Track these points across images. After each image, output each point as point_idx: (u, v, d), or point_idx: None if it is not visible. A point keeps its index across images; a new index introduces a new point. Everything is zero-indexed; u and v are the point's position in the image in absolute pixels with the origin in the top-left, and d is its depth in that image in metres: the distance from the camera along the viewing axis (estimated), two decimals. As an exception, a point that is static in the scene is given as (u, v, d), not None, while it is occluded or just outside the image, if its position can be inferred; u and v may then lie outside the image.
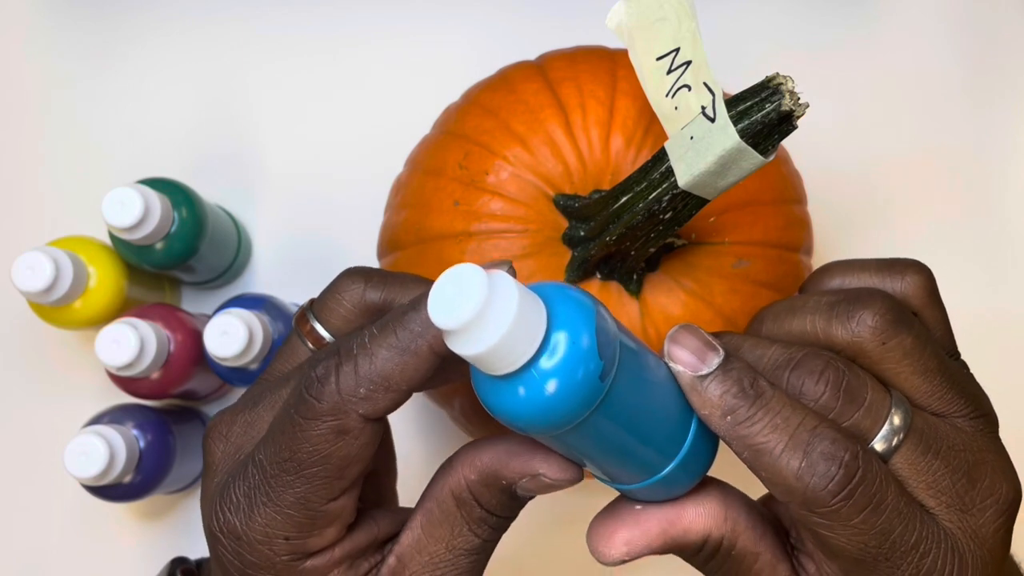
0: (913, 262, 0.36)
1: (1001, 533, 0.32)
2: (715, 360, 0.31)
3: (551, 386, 0.26)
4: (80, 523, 0.61)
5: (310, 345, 0.35)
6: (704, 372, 0.31)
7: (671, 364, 0.31)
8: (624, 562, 0.32)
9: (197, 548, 0.58)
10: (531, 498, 0.33)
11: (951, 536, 0.31)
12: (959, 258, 0.64)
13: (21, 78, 0.66)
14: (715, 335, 0.34)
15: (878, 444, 0.31)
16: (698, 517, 0.33)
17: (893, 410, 0.32)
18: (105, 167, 0.64)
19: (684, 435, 0.32)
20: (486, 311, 0.25)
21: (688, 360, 0.31)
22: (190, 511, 0.61)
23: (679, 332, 0.31)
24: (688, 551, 0.33)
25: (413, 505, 0.35)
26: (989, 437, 0.33)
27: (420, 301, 0.31)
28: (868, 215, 0.64)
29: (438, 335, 0.30)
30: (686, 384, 0.31)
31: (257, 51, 0.66)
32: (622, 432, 0.29)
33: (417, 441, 0.61)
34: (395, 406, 0.31)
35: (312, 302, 0.36)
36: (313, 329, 0.35)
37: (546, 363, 0.26)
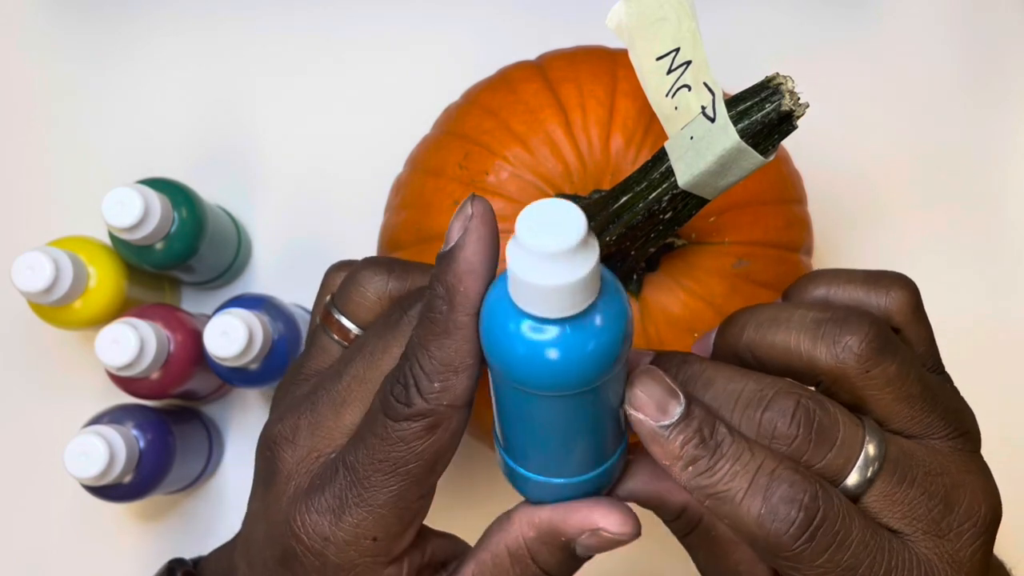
0: (898, 277, 0.35)
1: (979, 555, 0.32)
2: (677, 410, 0.31)
3: (591, 344, 0.27)
4: (80, 523, 0.61)
5: (336, 338, 0.36)
6: (665, 423, 0.31)
7: (631, 412, 0.31)
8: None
9: (197, 548, 0.58)
10: (588, 558, 0.34)
11: (926, 562, 0.31)
12: (959, 259, 0.64)
13: (21, 78, 0.66)
14: (685, 363, 0.34)
15: (852, 478, 0.31)
16: (678, 488, 0.33)
17: (867, 440, 0.32)
18: (105, 167, 0.64)
19: (615, 448, 0.33)
20: (587, 239, 0.25)
21: (650, 410, 0.31)
22: (190, 511, 0.61)
23: (641, 377, 0.31)
24: (666, 515, 0.34)
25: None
26: (969, 456, 0.33)
27: (432, 282, 0.31)
28: (868, 215, 0.64)
29: (455, 296, 0.30)
30: (646, 433, 0.31)
31: (257, 51, 0.66)
32: (590, 421, 0.30)
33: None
34: (472, 383, 0.31)
35: (334, 297, 0.36)
36: (340, 324, 0.36)
37: (598, 320, 0.27)
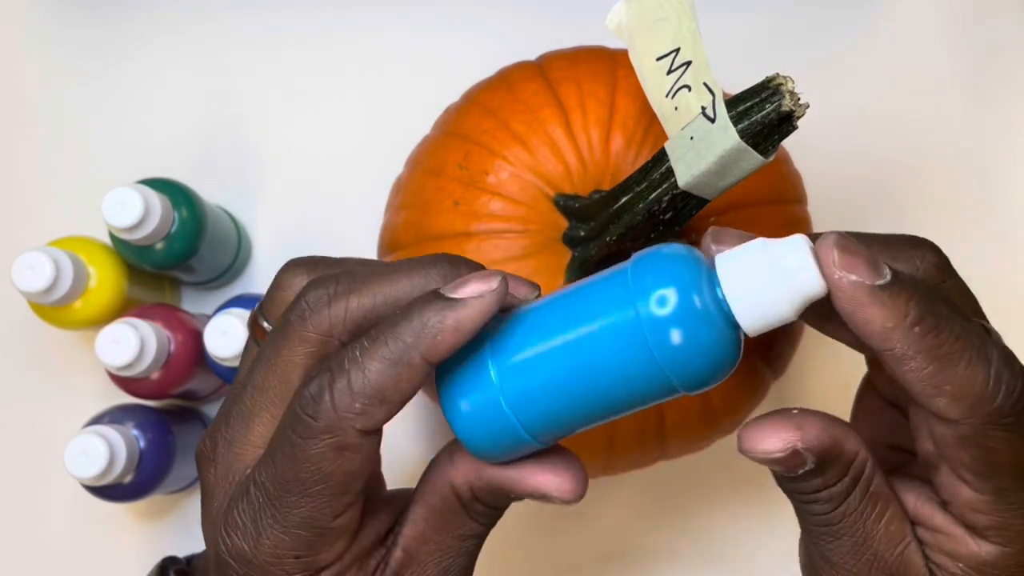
0: (922, 241, 0.34)
1: None
2: (886, 270, 0.29)
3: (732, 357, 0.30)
4: (80, 523, 0.61)
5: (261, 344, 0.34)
6: (882, 283, 0.29)
7: (841, 275, 0.29)
8: (774, 460, 0.31)
9: (197, 548, 0.58)
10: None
11: None
12: (959, 259, 0.63)
13: (21, 78, 0.66)
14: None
15: None
16: (852, 435, 0.31)
17: None
18: (105, 167, 0.64)
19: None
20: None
21: (864, 271, 0.29)
22: (190, 511, 0.61)
23: (838, 239, 0.29)
24: (833, 468, 0.31)
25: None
26: None
27: (410, 310, 0.30)
28: (868, 215, 0.64)
29: (431, 345, 0.29)
30: (865, 295, 0.29)
31: (257, 51, 0.66)
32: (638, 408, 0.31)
33: (415, 441, 0.61)
34: (390, 417, 0.30)
35: (261, 302, 0.35)
36: (263, 329, 0.34)
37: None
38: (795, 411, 0.31)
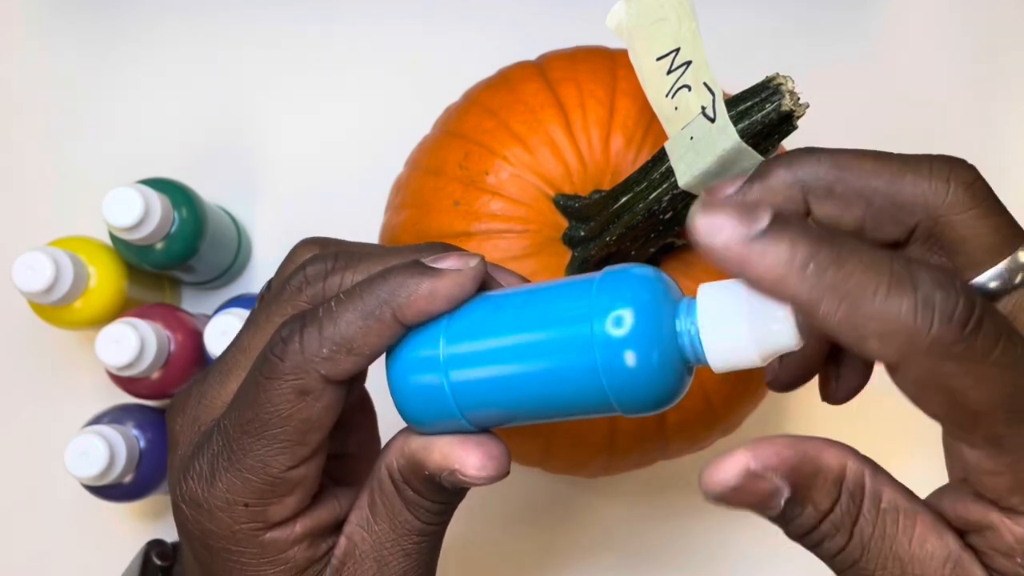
0: (954, 160, 0.31)
1: None
2: (764, 216, 0.25)
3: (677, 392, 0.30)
4: (80, 523, 0.61)
5: None
6: (758, 229, 0.25)
7: (704, 239, 0.25)
8: (735, 491, 0.28)
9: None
10: (464, 491, 0.33)
11: None
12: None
13: (21, 78, 0.66)
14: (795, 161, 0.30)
15: (991, 280, 0.29)
16: (833, 449, 0.28)
17: (1021, 248, 0.29)
18: (105, 167, 0.64)
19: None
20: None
21: (730, 227, 0.25)
22: (190, 511, 0.61)
23: (706, 200, 0.26)
24: (818, 490, 0.28)
25: None
26: None
27: (389, 272, 0.30)
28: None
29: (403, 304, 0.30)
30: (736, 253, 0.25)
31: (257, 51, 0.66)
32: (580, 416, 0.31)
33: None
34: (356, 370, 0.30)
35: (273, 277, 0.36)
36: None
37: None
38: (752, 440, 0.28)
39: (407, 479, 0.32)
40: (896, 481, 0.28)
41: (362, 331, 0.30)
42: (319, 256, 0.33)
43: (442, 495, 0.32)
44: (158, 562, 0.45)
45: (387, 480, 0.32)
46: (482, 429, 0.31)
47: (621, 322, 0.28)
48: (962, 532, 0.28)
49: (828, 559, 0.29)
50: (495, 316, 0.30)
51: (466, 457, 0.30)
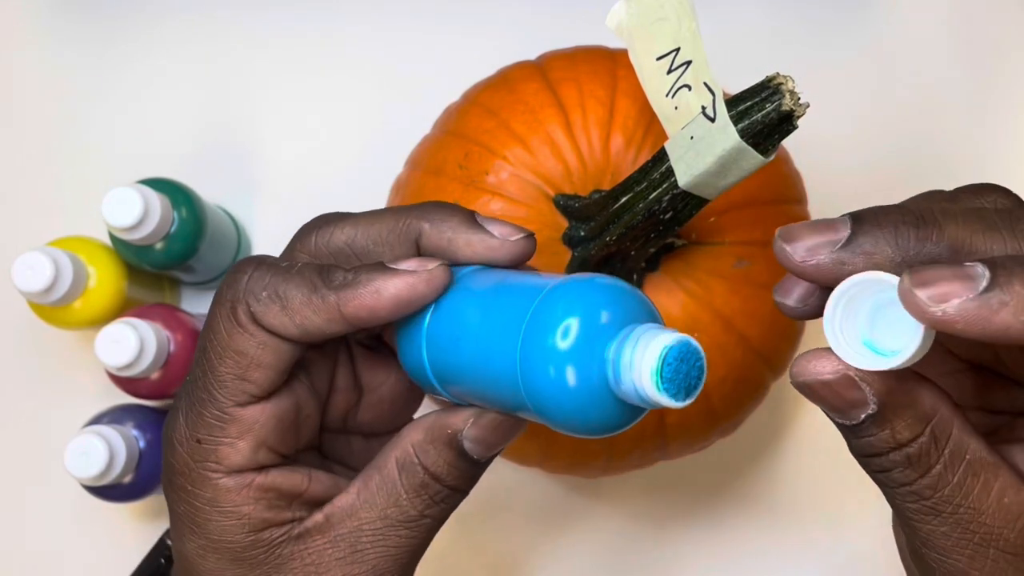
0: (985, 187, 0.30)
1: None
2: (980, 269, 0.25)
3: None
4: (80, 523, 0.61)
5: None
6: (985, 283, 0.25)
7: (941, 310, 0.25)
8: (824, 385, 0.27)
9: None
10: (482, 464, 0.32)
11: None
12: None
13: (21, 78, 0.66)
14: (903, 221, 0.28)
15: None
16: (930, 390, 0.28)
17: None
18: (105, 167, 0.64)
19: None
20: None
21: (957, 286, 0.25)
22: (190, 511, 0.61)
23: (919, 276, 0.25)
24: (903, 420, 0.27)
25: None
26: None
27: (356, 267, 0.31)
28: (868, 215, 0.63)
29: (348, 295, 0.30)
30: (977, 312, 0.25)
31: (257, 51, 0.65)
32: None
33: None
34: (284, 331, 0.31)
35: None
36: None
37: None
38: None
39: (422, 454, 0.32)
40: (979, 435, 0.28)
41: (303, 300, 0.30)
42: (319, 217, 0.34)
43: (455, 470, 0.32)
44: (169, 542, 0.46)
45: (392, 467, 0.32)
46: (464, 403, 0.32)
47: (551, 331, 0.28)
48: None
49: (889, 487, 0.29)
50: (462, 306, 0.31)
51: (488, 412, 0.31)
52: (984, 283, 0.25)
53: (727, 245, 0.46)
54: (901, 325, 0.26)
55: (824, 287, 0.29)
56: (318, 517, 0.33)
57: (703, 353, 0.27)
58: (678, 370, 0.26)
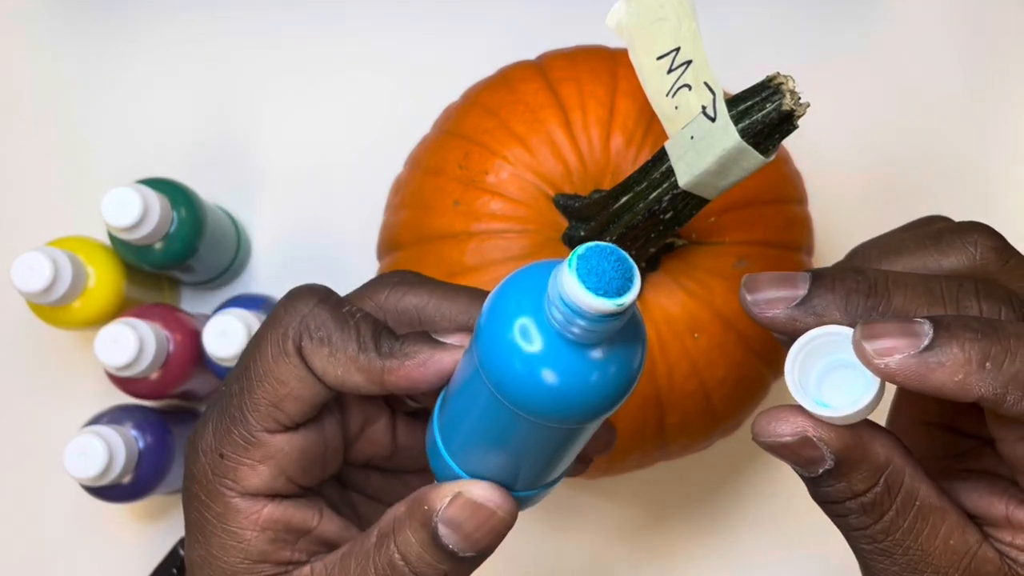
0: (971, 225, 0.32)
1: None
2: (926, 327, 0.27)
3: (594, 377, 0.27)
4: (80, 523, 0.61)
5: None
6: (925, 343, 0.27)
7: (884, 363, 0.27)
8: (784, 446, 0.29)
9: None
10: (461, 560, 0.30)
11: None
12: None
13: (21, 78, 0.66)
14: (861, 277, 0.30)
15: None
16: (883, 439, 0.29)
17: None
18: (105, 167, 0.64)
19: (553, 480, 0.32)
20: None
21: (902, 342, 0.27)
22: (189, 511, 0.61)
23: (867, 328, 0.27)
24: (859, 473, 0.29)
25: None
26: None
27: (423, 341, 0.31)
28: (869, 215, 0.63)
29: (403, 377, 0.31)
30: (914, 370, 0.27)
31: (257, 51, 0.65)
32: (549, 451, 0.30)
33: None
34: (324, 376, 0.31)
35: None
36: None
37: (611, 360, 0.27)
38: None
39: (398, 533, 0.31)
40: (929, 478, 0.30)
41: (350, 355, 0.31)
42: (395, 272, 0.34)
43: (428, 556, 0.30)
44: (182, 552, 0.46)
45: (372, 536, 0.31)
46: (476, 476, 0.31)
47: (483, 334, 0.28)
48: (982, 523, 0.30)
49: (846, 530, 0.30)
50: (454, 381, 0.31)
51: (472, 486, 0.30)
52: (926, 341, 0.27)
53: (727, 245, 0.46)
54: (857, 376, 0.28)
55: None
56: (305, 571, 0.32)
57: (619, 249, 0.26)
58: (595, 266, 0.25)
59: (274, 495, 0.32)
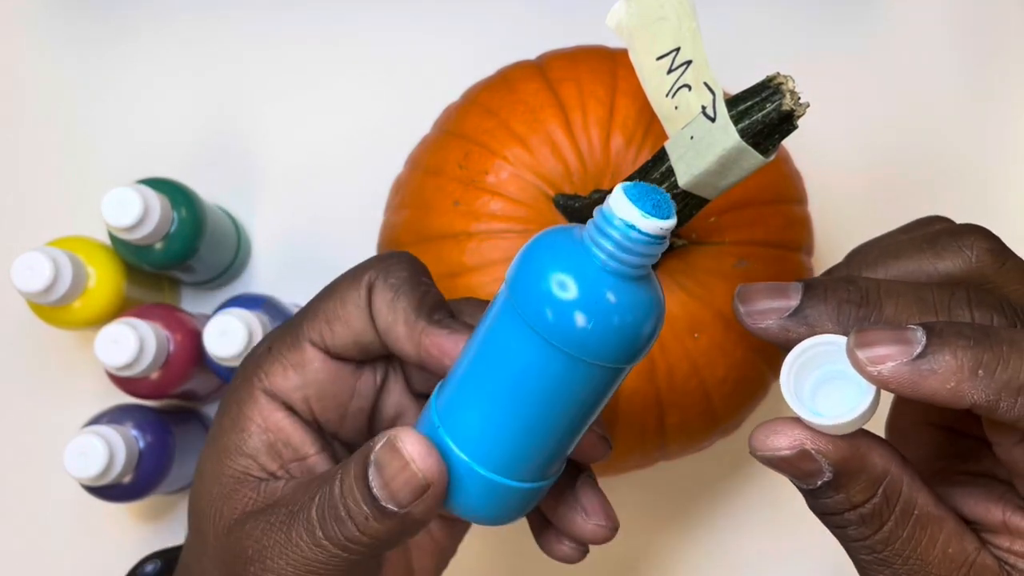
0: (967, 228, 0.32)
1: None
2: (919, 334, 0.27)
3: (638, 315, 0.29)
4: (80, 523, 0.61)
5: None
6: (919, 350, 0.27)
7: (877, 371, 0.27)
8: (782, 460, 0.29)
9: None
10: (391, 515, 0.30)
11: None
12: (960, 258, 0.63)
13: (21, 78, 0.66)
14: (853, 285, 0.30)
15: None
16: (881, 450, 0.29)
17: None
18: (105, 167, 0.64)
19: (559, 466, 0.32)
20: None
21: (894, 349, 0.27)
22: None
23: (860, 337, 0.27)
24: (857, 484, 0.29)
25: None
26: None
27: (466, 325, 0.32)
28: (869, 215, 0.63)
29: (433, 344, 0.32)
30: (907, 377, 0.27)
31: (257, 51, 0.65)
32: (578, 409, 0.30)
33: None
34: (375, 315, 0.33)
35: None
36: None
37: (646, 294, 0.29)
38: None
39: (348, 464, 0.31)
40: (928, 487, 0.30)
41: (404, 310, 0.33)
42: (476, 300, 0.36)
43: (366, 506, 0.30)
44: (147, 567, 0.46)
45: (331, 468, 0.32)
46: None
47: (514, 275, 0.29)
48: (980, 529, 0.31)
49: (846, 541, 0.30)
50: (457, 370, 0.31)
51: (405, 434, 0.30)
52: (919, 348, 0.27)
53: (727, 245, 0.46)
54: (852, 385, 0.28)
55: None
56: (279, 485, 0.32)
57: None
58: (642, 193, 0.27)
59: (290, 408, 0.34)
